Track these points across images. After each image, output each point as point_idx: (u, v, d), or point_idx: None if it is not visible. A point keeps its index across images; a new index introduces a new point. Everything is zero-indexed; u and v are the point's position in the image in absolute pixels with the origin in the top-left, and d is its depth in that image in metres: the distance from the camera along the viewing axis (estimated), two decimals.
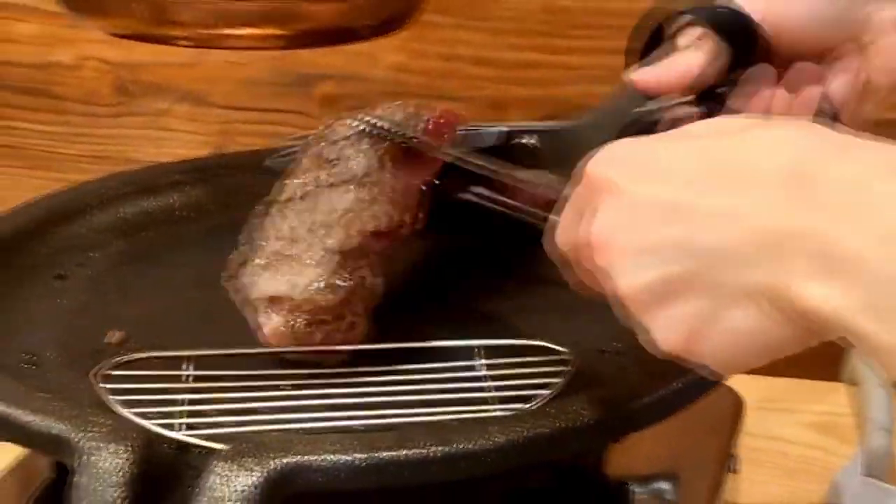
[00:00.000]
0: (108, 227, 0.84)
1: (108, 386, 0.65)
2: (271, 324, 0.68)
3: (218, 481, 0.56)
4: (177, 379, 0.67)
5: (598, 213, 0.52)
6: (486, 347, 0.70)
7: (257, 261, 0.70)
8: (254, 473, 0.56)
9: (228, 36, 0.74)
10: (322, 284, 0.68)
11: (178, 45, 0.74)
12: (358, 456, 0.57)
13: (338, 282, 0.69)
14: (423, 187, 0.73)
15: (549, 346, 0.70)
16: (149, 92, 1.18)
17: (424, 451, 0.57)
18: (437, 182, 0.74)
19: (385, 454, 0.57)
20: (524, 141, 0.68)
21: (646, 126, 0.67)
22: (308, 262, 0.69)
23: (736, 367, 0.51)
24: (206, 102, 1.18)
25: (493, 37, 1.11)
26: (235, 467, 0.56)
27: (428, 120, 0.73)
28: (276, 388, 0.66)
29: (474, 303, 0.77)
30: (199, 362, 0.68)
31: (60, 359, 0.70)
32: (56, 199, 0.84)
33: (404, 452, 0.57)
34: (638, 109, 0.68)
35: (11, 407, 0.61)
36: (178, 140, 1.19)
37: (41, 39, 1.19)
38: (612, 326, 0.73)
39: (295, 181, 0.73)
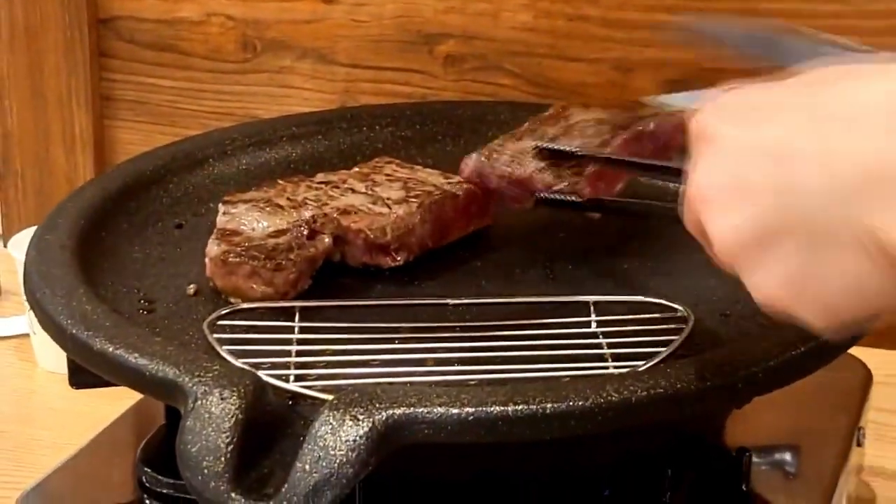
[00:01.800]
0: (228, 178, 0.84)
1: (219, 336, 0.65)
2: (213, 251, 0.70)
3: (326, 430, 0.55)
4: (286, 329, 0.67)
5: (699, 164, 0.50)
6: (600, 303, 0.68)
7: (258, 204, 0.73)
8: (362, 424, 0.55)
9: None
10: (273, 229, 0.71)
11: None
12: (467, 410, 0.56)
13: (290, 233, 0.70)
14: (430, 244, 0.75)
15: (666, 303, 0.68)
16: (273, 48, 1.18)
17: (535, 406, 0.56)
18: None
19: (495, 409, 0.56)
20: None
21: None
22: (286, 215, 0.72)
23: (833, 317, 0.48)
24: (329, 60, 1.17)
25: None
26: (344, 417, 0.55)
27: None
28: (386, 340, 0.66)
29: (587, 260, 0.75)
30: (308, 313, 0.68)
31: (174, 306, 0.70)
32: (177, 149, 0.84)
33: (515, 408, 0.56)
34: None
35: (126, 350, 0.61)
36: (301, 97, 1.18)
37: None
38: (735, 290, 0.72)
39: (346, 172, 0.79)
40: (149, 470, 0.67)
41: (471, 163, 0.77)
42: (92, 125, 1.23)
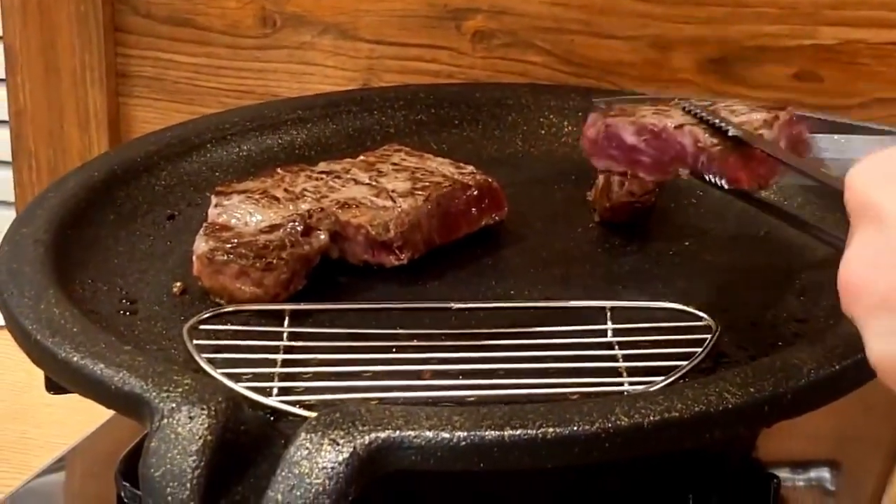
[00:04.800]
0: (226, 165, 0.79)
1: (200, 342, 0.60)
2: (199, 248, 0.65)
3: (301, 455, 0.50)
4: (273, 336, 0.61)
5: (853, 243, 0.42)
6: (617, 309, 0.62)
7: (253, 196, 0.68)
8: (342, 448, 0.49)
9: None
10: (266, 224, 0.65)
11: None
12: (459, 434, 0.50)
13: (283, 228, 0.65)
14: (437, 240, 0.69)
15: (690, 310, 0.62)
16: (293, 23, 1.12)
17: (535, 431, 0.50)
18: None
19: (490, 433, 0.50)
20: None
21: None
22: (281, 209, 0.67)
23: None
24: (352, 36, 1.11)
25: None
26: (322, 441, 0.50)
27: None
28: (382, 349, 0.60)
29: (607, 260, 0.69)
30: (299, 317, 0.62)
31: (157, 306, 0.65)
32: (171, 134, 0.79)
33: (512, 432, 0.50)
34: None
35: (92, 360, 0.56)
36: (323, 74, 1.13)
37: None
38: (769, 295, 0.66)
39: (350, 161, 0.73)
40: (127, 484, 0.61)
41: (597, 115, 0.64)
42: (107, 102, 1.19)
